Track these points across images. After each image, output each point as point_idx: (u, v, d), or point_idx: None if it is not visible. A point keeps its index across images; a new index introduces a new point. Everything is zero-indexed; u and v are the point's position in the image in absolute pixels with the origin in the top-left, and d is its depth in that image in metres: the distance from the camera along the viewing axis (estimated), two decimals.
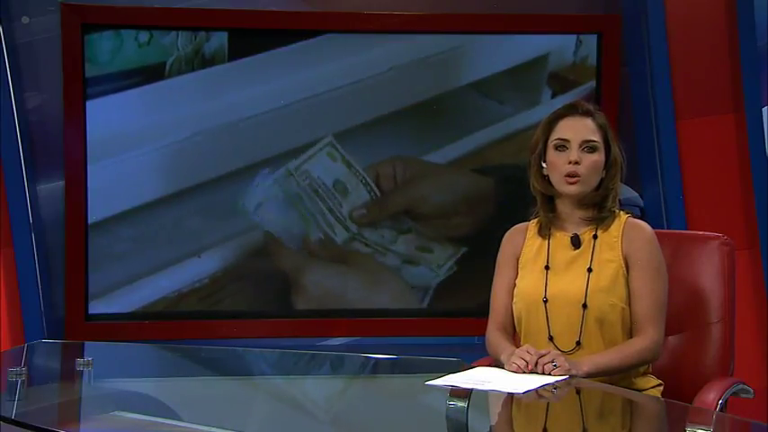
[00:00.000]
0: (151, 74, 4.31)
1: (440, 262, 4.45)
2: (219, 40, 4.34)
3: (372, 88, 4.41)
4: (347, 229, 4.40)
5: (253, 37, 4.36)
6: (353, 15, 4.43)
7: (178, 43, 4.32)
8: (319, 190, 4.37)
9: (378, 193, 4.40)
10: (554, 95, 4.46)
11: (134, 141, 4.32)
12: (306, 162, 4.37)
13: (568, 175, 2.76)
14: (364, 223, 4.41)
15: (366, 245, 4.41)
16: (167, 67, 4.32)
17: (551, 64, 4.46)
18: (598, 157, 2.78)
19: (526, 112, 4.45)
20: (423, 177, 4.44)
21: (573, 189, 2.77)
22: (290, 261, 4.39)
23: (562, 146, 2.79)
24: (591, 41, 4.46)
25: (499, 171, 4.46)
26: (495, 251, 2.94)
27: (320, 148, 4.37)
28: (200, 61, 4.33)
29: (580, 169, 2.76)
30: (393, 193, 4.41)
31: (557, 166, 2.78)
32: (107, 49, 4.29)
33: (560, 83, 4.47)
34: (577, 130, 2.79)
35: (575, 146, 2.77)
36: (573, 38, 4.46)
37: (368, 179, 4.39)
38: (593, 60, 4.46)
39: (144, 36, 4.31)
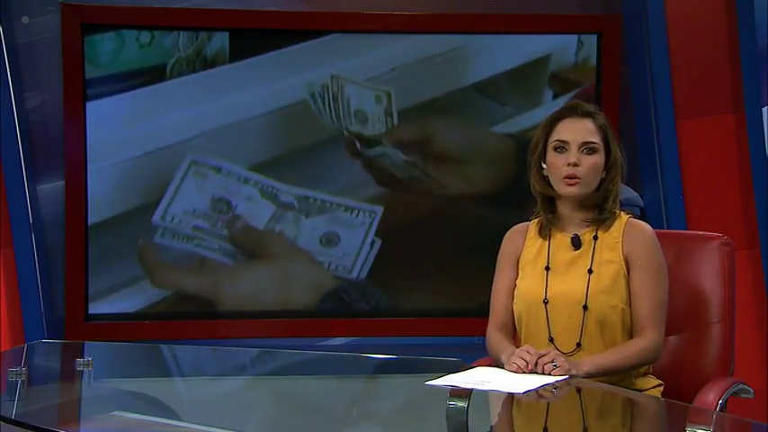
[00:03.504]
0: (152, 75, 4.32)
1: None
2: (221, 40, 4.34)
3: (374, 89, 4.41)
4: None
5: (254, 37, 4.37)
6: (356, 16, 4.44)
7: (179, 44, 4.32)
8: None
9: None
10: (555, 96, 4.47)
11: (135, 142, 4.32)
12: None
13: (567, 177, 2.76)
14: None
15: None
16: (168, 69, 4.32)
17: (553, 65, 4.47)
18: (597, 158, 2.78)
19: (528, 112, 4.45)
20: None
21: (572, 191, 2.77)
22: None
23: (561, 147, 2.78)
24: (592, 42, 4.47)
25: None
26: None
27: None
28: (201, 62, 4.34)
29: (579, 171, 2.76)
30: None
31: (556, 167, 2.78)
32: (109, 51, 4.29)
33: (562, 84, 4.47)
34: (577, 131, 2.79)
35: (574, 147, 2.77)
36: (574, 38, 4.46)
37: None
38: (594, 61, 4.47)
39: (145, 37, 4.31)
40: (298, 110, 4.39)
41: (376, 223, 4.45)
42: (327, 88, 4.36)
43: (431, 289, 4.50)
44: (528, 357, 2.61)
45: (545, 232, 2.84)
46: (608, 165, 2.80)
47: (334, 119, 4.38)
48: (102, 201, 4.31)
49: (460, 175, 4.48)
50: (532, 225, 2.89)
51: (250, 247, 4.40)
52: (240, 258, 4.40)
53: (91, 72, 4.29)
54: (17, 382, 2.60)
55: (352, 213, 4.43)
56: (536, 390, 2.48)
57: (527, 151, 2.87)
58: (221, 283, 4.39)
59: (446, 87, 4.46)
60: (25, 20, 4.27)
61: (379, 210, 4.45)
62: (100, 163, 4.30)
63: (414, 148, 4.46)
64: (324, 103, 4.36)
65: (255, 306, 4.43)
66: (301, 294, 4.44)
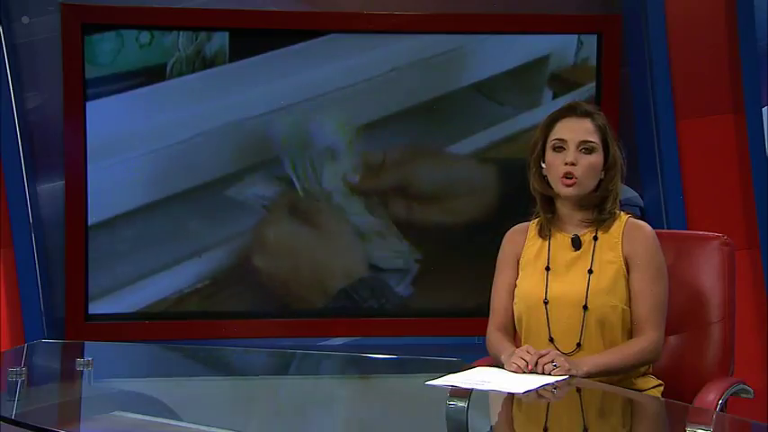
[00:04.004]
0: (152, 75, 4.32)
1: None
2: (220, 40, 4.34)
3: (373, 89, 4.41)
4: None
5: (254, 37, 4.37)
6: (355, 16, 4.44)
7: (179, 44, 4.32)
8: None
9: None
10: (555, 97, 4.46)
11: (135, 142, 4.32)
12: None
13: (565, 176, 2.76)
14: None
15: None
16: (168, 69, 4.32)
17: (552, 65, 4.47)
18: (595, 158, 2.78)
19: (527, 113, 4.45)
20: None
21: (570, 191, 2.77)
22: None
23: (560, 146, 2.79)
24: (591, 43, 4.46)
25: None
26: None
27: None
28: (201, 62, 4.34)
29: (576, 170, 2.76)
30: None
31: (554, 166, 2.78)
32: (108, 51, 4.29)
33: (561, 84, 4.47)
34: (575, 130, 2.79)
35: (572, 147, 2.77)
36: (574, 39, 4.46)
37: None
38: (593, 62, 4.47)
39: (145, 37, 4.31)
40: (297, 110, 4.39)
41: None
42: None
43: (431, 289, 4.50)
44: (528, 357, 2.61)
45: (545, 232, 2.84)
46: (607, 165, 2.80)
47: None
48: (102, 200, 4.31)
49: (460, 176, 4.48)
50: (532, 225, 2.89)
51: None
52: None
53: (91, 72, 4.29)
54: (17, 382, 2.60)
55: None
56: (536, 390, 2.48)
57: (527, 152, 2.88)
58: None
59: (445, 87, 4.46)
60: (25, 20, 4.28)
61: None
62: (100, 162, 4.30)
63: (413, 148, 4.46)
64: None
65: (258, 306, 4.44)
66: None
